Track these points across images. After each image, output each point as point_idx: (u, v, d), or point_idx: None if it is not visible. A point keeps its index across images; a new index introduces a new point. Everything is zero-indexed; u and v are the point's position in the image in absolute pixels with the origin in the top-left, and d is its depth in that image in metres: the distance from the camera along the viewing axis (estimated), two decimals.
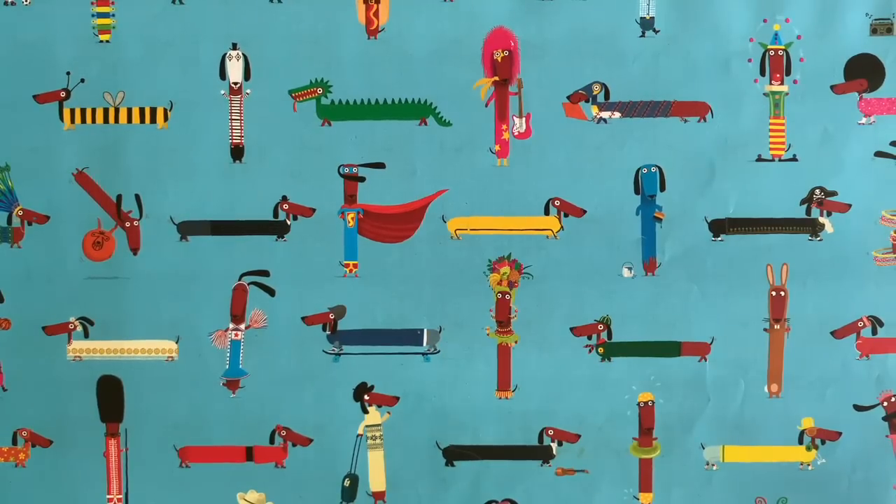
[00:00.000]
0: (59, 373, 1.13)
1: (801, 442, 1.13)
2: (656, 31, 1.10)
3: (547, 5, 1.10)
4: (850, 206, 1.12)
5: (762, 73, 1.11)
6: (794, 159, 1.11)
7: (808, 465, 1.13)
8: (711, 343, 1.12)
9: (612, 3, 1.10)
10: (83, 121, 1.12)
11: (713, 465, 1.13)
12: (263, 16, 1.10)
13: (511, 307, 1.12)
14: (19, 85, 1.12)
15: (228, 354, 1.13)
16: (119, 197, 1.12)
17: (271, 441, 1.13)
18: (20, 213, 1.12)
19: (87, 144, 1.12)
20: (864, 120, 1.11)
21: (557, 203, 1.11)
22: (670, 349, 1.12)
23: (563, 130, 1.11)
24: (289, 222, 1.12)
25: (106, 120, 1.12)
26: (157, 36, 1.11)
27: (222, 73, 1.11)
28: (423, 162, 1.12)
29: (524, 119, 1.11)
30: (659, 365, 1.12)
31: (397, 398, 1.13)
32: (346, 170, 1.12)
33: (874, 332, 1.13)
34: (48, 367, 1.13)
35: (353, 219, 1.12)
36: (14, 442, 1.14)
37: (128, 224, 1.12)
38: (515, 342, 1.12)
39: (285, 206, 1.12)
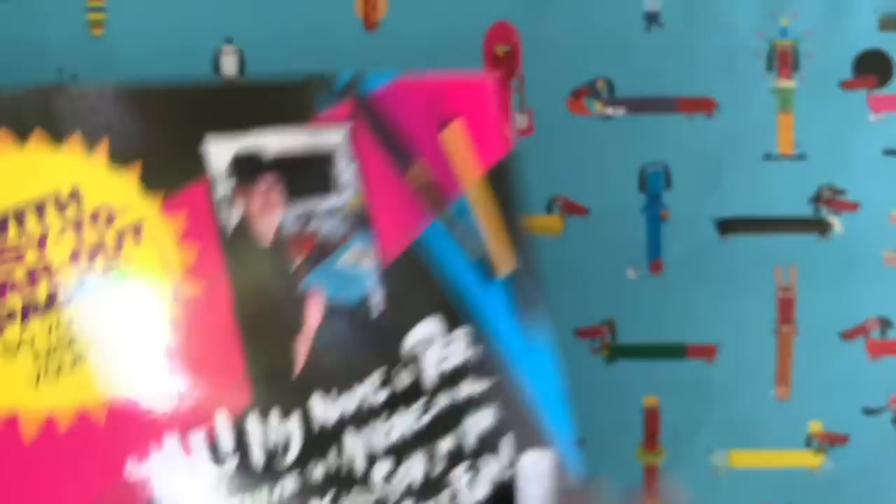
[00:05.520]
0: None
1: (808, 446, 1.11)
2: (661, 26, 1.09)
3: None
4: (859, 205, 1.10)
5: (769, 68, 1.09)
6: (802, 157, 1.10)
7: (816, 469, 1.12)
8: (717, 346, 1.11)
9: None
10: None
11: (719, 470, 1.11)
12: (258, 9, 1.08)
13: None
14: (11, 81, 1.10)
15: None
16: None
17: None
18: None
19: None
20: (873, 117, 1.10)
21: (560, 202, 1.10)
22: (676, 351, 1.11)
23: (566, 127, 1.09)
24: None
25: None
26: (150, 31, 1.09)
27: (216, 68, 1.09)
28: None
29: (526, 115, 1.10)
30: (665, 367, 1.11)
31: None
32: None
33: (884, 333, 1.11)
34: None
35: None
36: None
37: None
38: None
39: None
